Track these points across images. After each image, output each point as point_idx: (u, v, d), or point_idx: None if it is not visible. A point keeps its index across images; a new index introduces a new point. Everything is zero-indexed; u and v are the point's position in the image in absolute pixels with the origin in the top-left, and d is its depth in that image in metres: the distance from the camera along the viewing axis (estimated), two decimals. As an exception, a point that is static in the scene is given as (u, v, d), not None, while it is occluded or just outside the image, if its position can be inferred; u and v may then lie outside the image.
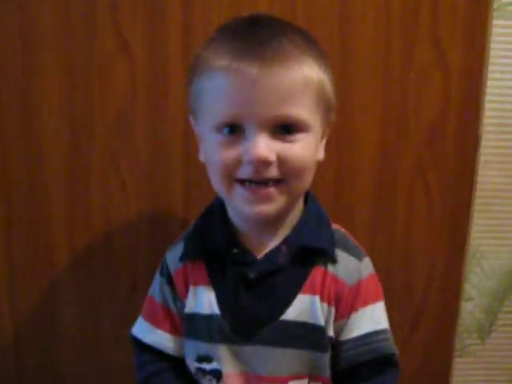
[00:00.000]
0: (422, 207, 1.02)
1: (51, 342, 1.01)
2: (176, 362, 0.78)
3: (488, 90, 0.98)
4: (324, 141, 0.74)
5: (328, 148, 0.96)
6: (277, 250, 0.72)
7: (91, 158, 0.95)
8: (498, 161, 1.02)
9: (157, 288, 0.78)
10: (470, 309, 1.08)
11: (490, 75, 0.97)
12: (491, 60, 0.97)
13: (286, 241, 0.72)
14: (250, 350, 0.71)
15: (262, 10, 0.91)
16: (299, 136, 0.66)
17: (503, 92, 0.99)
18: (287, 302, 0.71)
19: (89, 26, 0.90)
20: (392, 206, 1.01)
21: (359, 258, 0.75)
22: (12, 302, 1.00)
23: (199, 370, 0.75)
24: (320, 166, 0.97)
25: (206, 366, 0.74)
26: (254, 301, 0.71)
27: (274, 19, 0.69)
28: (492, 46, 0.96)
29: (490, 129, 1.00)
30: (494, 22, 0.96)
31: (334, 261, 0.72)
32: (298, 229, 0.73)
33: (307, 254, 0.72)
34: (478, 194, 1.03)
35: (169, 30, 0.91)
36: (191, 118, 0.74)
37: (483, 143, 1.00)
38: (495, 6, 0.95)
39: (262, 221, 0.70)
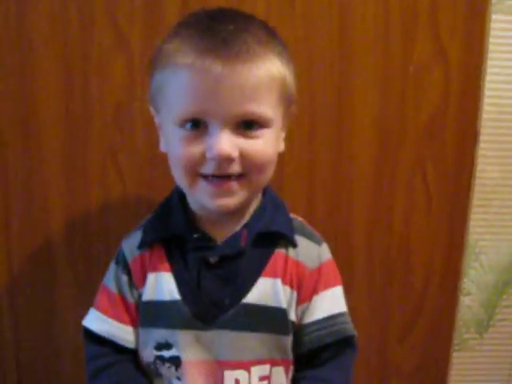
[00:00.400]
0: (421, 201, 1.02)
1: (50, 333, 1.01)
2: (130, 354, 0.76)
3: (486, 85, 0.98)
4: (284, 133, 0.75)
5: (326, 141, 0.98)
6: (237, 234, 0.73)
7: (89, 151, 0.95)
8: (497, 155, 1.02)
9: (111, 277, 0.77)
10: (469, 303, 1.08)
11: (488, 69, 0.98)
12: (490, 54, 0.97)
13: (246, 226, 0.74)
14: (211, 334, 0.71)
15: (260, 5, 0.91)
16: (261, 132, 0.67)
17: (502, 87, 0.99)
18: (249, 285, 0.72)
19: (86, 19, 0.90)
20: (390, 200, 1.02)
21: (318, 243, 0.77)
22: (11, 299, 1.00)
23: (158, 358, 0.74)
24: (318, 158, 0.98)
25: (166, 354, 0.73)
26: (215, 285, 0.72)
27: (238, 14, 0.69)
28: (491, 40, 0.97)
29: (488, 123, 1.00)
30: (493, 16, 0.96)
31: (294, 245, 0.74)
32: (257, 215, 0.75)
33: (267, 239, 0.73)
34: (476, 188, 1.03)
35: (166, 22, 0.91)
36: (152, 109, 0.74)
37: (482, 138, 1.01)
38: (494, 0, 0.95)
39: (223, 213, 0.71)
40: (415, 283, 1.05)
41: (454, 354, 1.10)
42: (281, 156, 0.95)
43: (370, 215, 1.02)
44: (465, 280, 1.07)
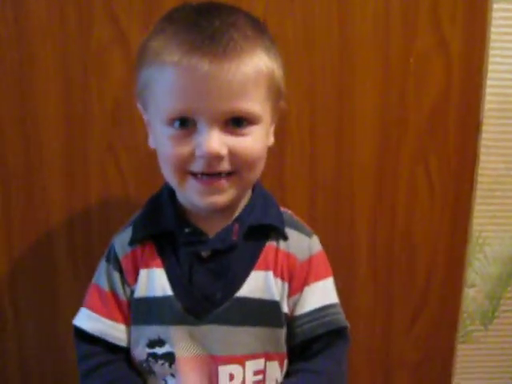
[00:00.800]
0: (424, 194, 1.01)
1: (52, 328, 1.02)
2: (123, 353, 0.76)
3: (489, 74, 0.97)
4: (273, 127, 0.75)
5: (328, 135, 0.97)
6: (229, 228, 0.73)
7: (89, 147, 0.95)
8: (500, 146, 1.01)
9: (103, 275, 0.76)
10: (473, 295, 1.08)
11: (490, 59, 0.96)
12: (492, 44, 0.96)
13: (237, 220, 0.74)
14: (204, 329, 0.71)
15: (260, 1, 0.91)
16: (250, 129, 0.67)
17: (504, 76, 0.98)
18: (241, 279, 0.72)
19: (85, 15, 0.90)
20: (393, 192, 1.01)
21: (308, 235, 0.77)
22: (13, 294, 1.00)
23: (151, 355, 0.73)
24: (320, 153, 0.98)
25: (159, 351, 0.73)
26: (207, 280, 0.72)
27: (223, 7, 0.68)
28: (493, 29, 0.96)
29: (491, 114, 0.99)
30: (495, 5, 0.95)
31: (285, 238, 0.75)
32: (248, 209, 0.75)
33: (259, 232, 0.74)
34: (479, 179, 1.02)
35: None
36: (139, 105, 0.73)
37: (484, 128, 1.00)
38: (495, -11, 0.94)
39: (213, 210, 0.71)
40: (419, 275, 1.05)
41: (459, 346, 1.10)
42: (281, 150, 0.96)
43: (373, 209, 1.01)
44: (469, 272, 1.06)
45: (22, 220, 0.97)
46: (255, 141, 0.67)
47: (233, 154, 0.66)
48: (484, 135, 1.00)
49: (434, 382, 1.10)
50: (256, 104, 0.66)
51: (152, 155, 0.92)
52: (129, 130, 0.94)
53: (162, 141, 0.67)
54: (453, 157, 1.00)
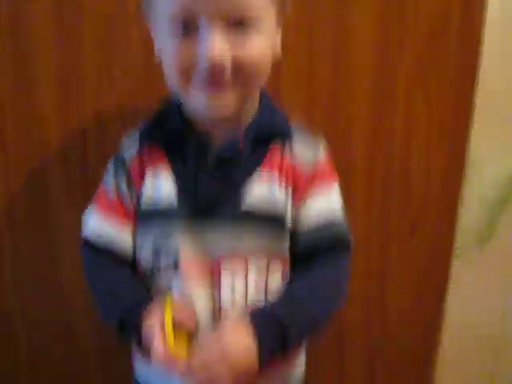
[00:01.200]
0: (422, 116, 1.01)
1: (48, 256, 1.04)
2: (127, 262, 0.77)
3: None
4: (280, 36, 0.74)
5: (325, 57, 0.96)
6: (235, 136, 0.73)
7: (83, 67, 0.94)
8: (501, 66, 1.00)
9: (111, 179, 0.78)
10: (469, 216, 1.08)
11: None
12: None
13: (244, 128, 0.74)
14: (209, 236, 0.72)
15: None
16: (254, 33, 0.66)
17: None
18: (246, 186, 0.73)
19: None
20: (391, 115, 1.01)
21: (315, 143, 0.78)
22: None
23: (155, 260, 0.74)
24: (317, 76, 0.97)
25: (163, 257, 0.73)
26: (213, 188, 0.73)
27: None
28: None
29: (491, 34, 0.97)
30: None
31: (290, 146, 0.75)
32: (255, 117, 0.75)
33: (265, 140, 0.74)
34: (478, 102, 1.01)
35: None
36: (145, 15, 0.73)
37: (485, 48, 0.97)
38: None
39: (218, 119, 0.71)
40: (416, 196, 1.05)
41: (454, 268, 1.11)
42: (277, 68, 0.94)
43: (371, 131, 1.01)
44: (465, 193, 1.06)
45: (17, 143, 0.97)
46: (259, 47, 0.67)
47: (236, 61, 0.65)
48: (485, 55, 0.98)
49: (430, 301, 1.12)
50: (259, 1, 0.65)
51: (148, 74, 0.91)
52: (124, 47, 0.93)
53: (166, 48, 0.68)
54: (452, 79, 0.99)
